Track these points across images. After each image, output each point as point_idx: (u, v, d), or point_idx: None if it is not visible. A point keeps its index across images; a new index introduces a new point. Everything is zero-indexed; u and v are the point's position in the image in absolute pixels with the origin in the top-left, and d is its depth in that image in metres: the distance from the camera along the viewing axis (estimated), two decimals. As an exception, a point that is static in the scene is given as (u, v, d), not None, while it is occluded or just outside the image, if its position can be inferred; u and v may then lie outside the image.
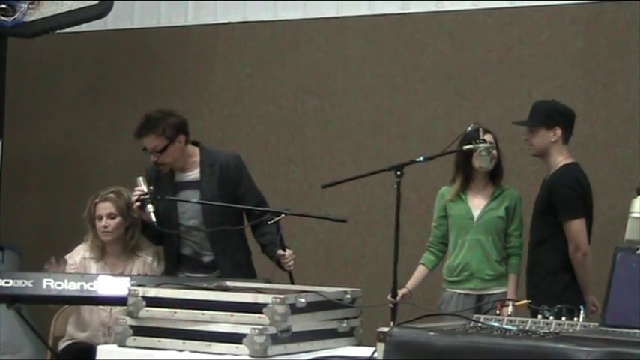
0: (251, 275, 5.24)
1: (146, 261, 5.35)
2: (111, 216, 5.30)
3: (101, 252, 5.34)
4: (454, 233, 5.58)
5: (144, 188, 5.00)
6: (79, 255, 5.36)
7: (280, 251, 5.01)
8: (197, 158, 5.31)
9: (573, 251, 5.21)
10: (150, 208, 4.96)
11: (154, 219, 4.95)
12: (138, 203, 5.00)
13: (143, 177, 5.06)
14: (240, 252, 5.30)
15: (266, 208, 5.15)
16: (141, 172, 5.28)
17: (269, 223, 5.02)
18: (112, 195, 5.34)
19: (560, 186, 5.25)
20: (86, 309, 5.28)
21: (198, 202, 5.17)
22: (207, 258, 5.29)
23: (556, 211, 5.23)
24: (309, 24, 7.24)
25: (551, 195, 5.26)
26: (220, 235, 5.20)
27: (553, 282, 5.21)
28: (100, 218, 5.30)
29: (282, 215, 4.99)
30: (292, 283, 4.91)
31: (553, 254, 5.25)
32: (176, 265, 5.30)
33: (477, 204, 5.55)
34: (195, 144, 5.36)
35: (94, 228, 5.34)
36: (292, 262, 5.08)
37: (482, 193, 5.56)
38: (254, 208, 5.19)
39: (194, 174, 5.29)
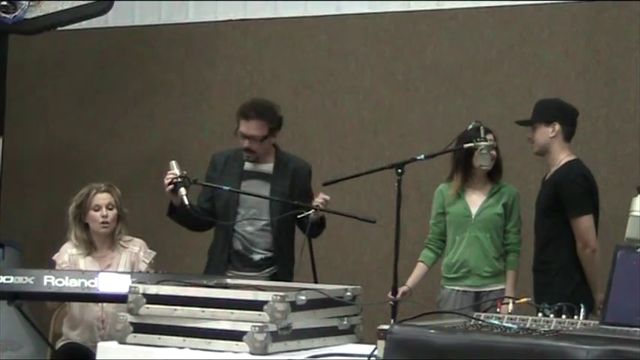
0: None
1: (133, 251, 5.36)
2: (109, 206, 5.32)
3: (89, 247, 5.33)
4: (452, 230, 5.58)
5: (177, 172, 4.99)
6: (67, 253, 5.35)
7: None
8: (272, 154, 5.35)
9: (582, 248, 5.18)
10: (182, 191, 4.94)
11: (186, 202, 4.93)
12: (171, 186, 4.99)
13: (176, 161, 5.06)
14: (292, 255, 5.30)
15: (297, 203, 5.13)
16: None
17: (298, 217, 5.04)
18: (108, 187, 5.39)
19: (567, 182, 5.22)
20: (77, 306, 5.28)
21: (231, 190, 5.15)
22: (257, 256, 5.28)
23: (563, 208, 5.20)
24: (309, 22, 7.24)
25: (558, 192, 5.21)
26: (280, 230, 5.23)
27: (565, 280, 5.17)
28: (99, 208, 5.30)
29: (312, 210, 5.01)
30: (314, 275, 4.96)
31: (563, 252, 5.22)
32: (226, 263, 5.28)
33: (474, 201, 5.55)
34: None
35: (81, 222, 5.33)
36: (323, 203, 5.06)
37: (480, 190, 5.57)
38: (288, 200, 5.17)
39: (267, 167, 5.32)
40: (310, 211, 4.99)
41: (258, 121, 5.23)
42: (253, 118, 5.23)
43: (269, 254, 5.28)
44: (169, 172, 5.02)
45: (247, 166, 5.33)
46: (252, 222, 5.26)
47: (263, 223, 5.26)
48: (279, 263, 5.25)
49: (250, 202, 5.26)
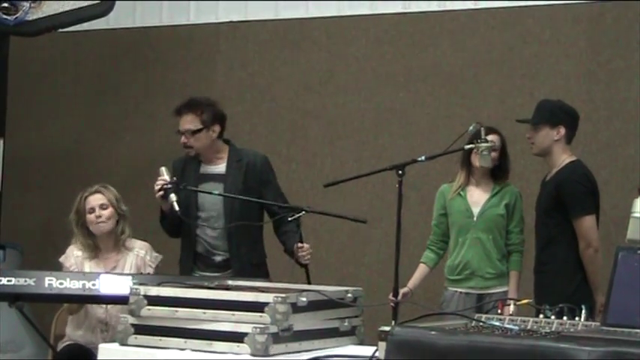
0: (263, 277, 5.23)
1: (139, 255, 5.35)
2: (103, 206, 5.32)
3: (94, 251, 5.34)
4: (454, 231, 5.58)
5: (167, 178, 5.03)
6: (73, 256, 5.36)
7: (298, 243, 5.03)
8: (225, 154, 5.34)
9: (584, 248, 5.18)
10: (173, 197, 4.99)
11: (177, 207, 4.98)
12: (161, 192, 5.02)
13: (166, 167, 5.09)
14: (255, 252, 5.31)
15: (286, 205, 5.15)
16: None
17: (289, 219, 5.04)
18: (100, 188, 5.40)
19: (570, 182, 5.22)
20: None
21: (220, 194, 5.18)
22: (218, 257, 5.29)
23: (566, 208, 5.20)
24: (310, 23, 7.24)
25: (560, 192, 5.21)
26: (237, 232, 5.21)
27: (565, 281, 5.17)
28: (92, 210, 5.31)
29: (303, 212, 5.00)
30: (308, 280, 4.92)
31: (564, 252, 5.21)
32: (192, 265, 5.32)
33: (476, 200, 5.55)
34: (225, 142, 5.39)
35: (83, 227, 5.34)
36: (309, 256, 5.08)
37: (482, 189, 5.57)
38: (275, 203, 5.20)
39: (220, 167, 5.33)
40: (301, 213, 5.00)
41: (188, 115, 5.27)
42: (183, 112, 5.28)
43: (228, 255, 5.30)
44: (159, 178, 5.07)
45: (202, 169, 5.34)
46: (214, 226, 5.27)
47: (221, 226, 5.26)
48: (236, 265, 5.24)
49: (209, 205, 5.27)
